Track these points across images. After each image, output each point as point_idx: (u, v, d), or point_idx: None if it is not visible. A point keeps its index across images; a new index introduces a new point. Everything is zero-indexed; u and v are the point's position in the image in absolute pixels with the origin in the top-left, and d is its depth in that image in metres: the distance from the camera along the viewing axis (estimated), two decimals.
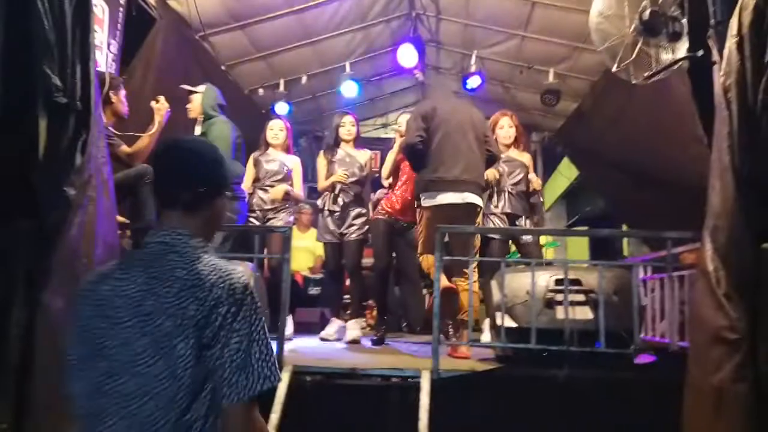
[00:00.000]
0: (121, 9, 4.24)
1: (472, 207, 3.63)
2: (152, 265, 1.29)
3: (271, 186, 4.56)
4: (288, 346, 3.48)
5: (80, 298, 1.32)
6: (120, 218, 3.12)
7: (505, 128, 4.60)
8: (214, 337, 1.18)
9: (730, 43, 2.19)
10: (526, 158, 4.68)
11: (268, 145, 4.75)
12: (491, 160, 3.90)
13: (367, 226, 4.49)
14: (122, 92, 3.54)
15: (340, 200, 4.44)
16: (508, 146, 4.62)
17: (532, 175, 4.62)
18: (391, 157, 4.57)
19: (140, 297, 1.22)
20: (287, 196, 4.53)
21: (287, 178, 4.62)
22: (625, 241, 8.13)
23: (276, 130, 4.75)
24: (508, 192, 4.48)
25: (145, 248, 1.34)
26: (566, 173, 8.44)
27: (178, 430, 1.16)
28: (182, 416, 1.16)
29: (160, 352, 1.17)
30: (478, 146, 3.73)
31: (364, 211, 4.57)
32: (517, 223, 4.48)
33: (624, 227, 6.87)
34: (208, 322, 1.19)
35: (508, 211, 4.45)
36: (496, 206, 4.49)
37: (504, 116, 4.67)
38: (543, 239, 6.38)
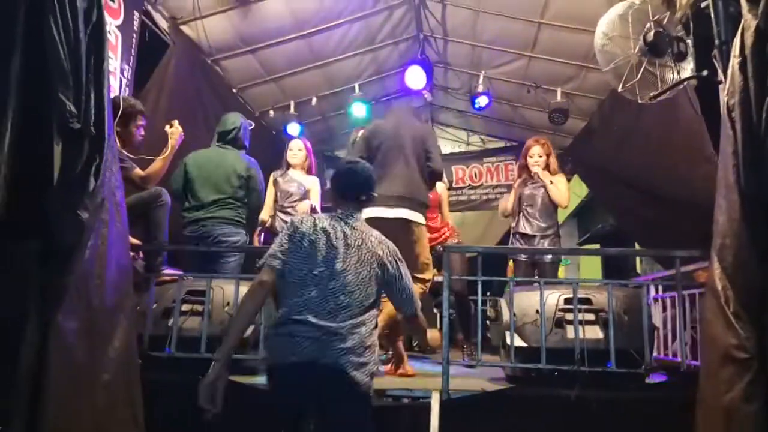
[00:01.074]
0: (134, 35, 4.34)
1: (403, 222, 3.60)
2: (355, 226, 2.28)
3: (291, 207, 4.62)
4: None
5: (305, 225, 2.26)
6: (133, 240, 3.17)
7: (535, 157, 4.66)
8: (390, 271, 2.24)
9: (734, 63, 2.21)
10: (558, 179, 4.66)
11: (288, 165, 4.82)
12: (433, 175, 3.85)
13: None
14: (140, 122, 3.59)
15: None
16: (535, 172, 4.68)
17: (536, 169, 4.64)
18: None
19: (354, 239, 2.22)
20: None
21: (304, 198, 4.67)
22: (638, 258, 8.08)
23: (295, 150, 4.82)
24: (524, 213, 4.60)
25: (340, 218, 2.31)
26: (577, 191, 8.42)
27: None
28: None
29: (365, 268, 2.18)
30: (416, 162, 3.71)
31: None
32: (533, 243, 4.53)
33: (636, 245, 6.83)
34: (387, 261, 2.23)
35: (521, 231, 4.59)
36: (515, 227, 4.68)
37: (536, 144, 4.72)
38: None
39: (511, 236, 4.80)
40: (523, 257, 4.56)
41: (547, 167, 4.66)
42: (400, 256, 2.31)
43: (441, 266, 4.80)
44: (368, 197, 2.38)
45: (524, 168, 4.74)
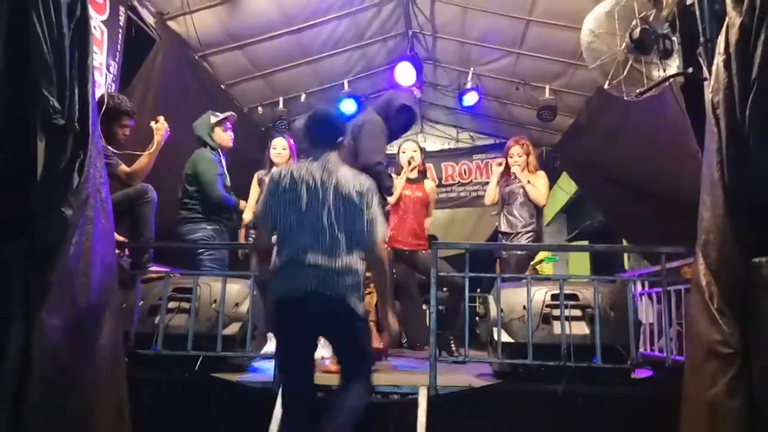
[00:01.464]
0: (120, 30, 4.30)
1: None
2: (328, 167, 2.45)
3: None
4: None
5: (283, 177, 2.44)
6: (118, 237, 3.14)
7: (515, 157, 4.79)
8: (365, 199, 2.42)
9: (718, 60, 2.23)
10: (536, 177, 4.78)
11: (272, 163, 4.76)
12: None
13: None
14: (125, 122, 3.52)
15: None
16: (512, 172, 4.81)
17: (515, 168, 4.75)
18: (400, 183, 4.61)
19: (330, 179, 2.41)
20: None
21: None
22: (625, 255, 8.13)
23: (279, 149, 4.73)
24: (505, 212, 4.77)
25: (314, 162, 2.48)
26: (565, 188, 8.48)
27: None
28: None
29: (346, 204, 2.39)
30: (352, 160, 3.52)
31: None
32: (510, 239, 4.69)
33: (624, 241, 6.88)
34: (363, 192, 2.42)
35: (501, 230, 4.78)
36: (498, 226, 4.84)
37: (516, 145, 4.84)
38: (542, 254, 6.39)
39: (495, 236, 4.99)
40: (504, 254, 4.69)
41: (527, 166, 4.77)
42: (375, 188, 2.52)
43: (415, 267, 4.86)
44: (341, 140, 2.59)
45: (506, 168, 4.85)
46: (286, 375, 2.49)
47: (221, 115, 4.18)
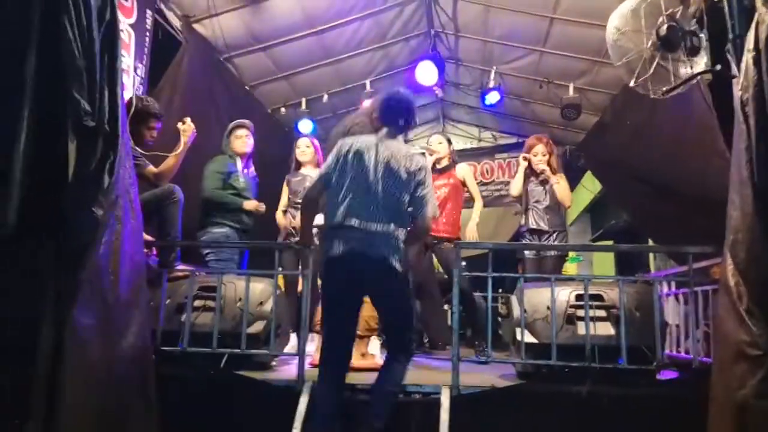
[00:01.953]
0: (147, 33, 4.38)
1: None
2: (386, 144, 2.74)
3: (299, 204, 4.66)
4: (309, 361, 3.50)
5: (346, 147, 2.74)
6: (146, 237, 3.20)
7: (539, 156, 4.73)
8: (416, 178, 2.68)
9: (747, 57, 2.19)
10: (560, 178, 4.73)
11: (299, 163, 4.84)
12: None
13: None
14: (152, 124, 3.61)
15: None
16: (541, 171, 4.75)
17: (543, 166, 4.69)
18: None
19: (384, 154, 2.69)
20: None
21: None
22: (651, 255, 8.02)
23: (303, 147, 4.84)
24: (534, 212, 4.67)
25: (378, 138, 2.77)
26: (589, 187, 8.39)
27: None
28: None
29: (393, 179, 2.64)
30: None
31: None
32: (544, 239, 4.61)
33: (650, 241, 6.78)
34: (414, 171, 2.68)
35: (532, 227, 4.64)
36: (524, 224, 4.73)
37: (539, 143, 4.78)
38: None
39: (519, 235, 4.85)
40: (530, 255, 4.62)
41: (549, 165, 4.72)
42: (427, 168, 2.78)
43: (440, 262, 4.87)
44: (407, 122, 2.84)
45: (528, 165, 4.81)
46: (328, 325, 2.74)
47: (231, 125, 4.41)
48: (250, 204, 4.25)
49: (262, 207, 4.33)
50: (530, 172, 4.78)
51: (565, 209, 4.78)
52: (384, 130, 2.81)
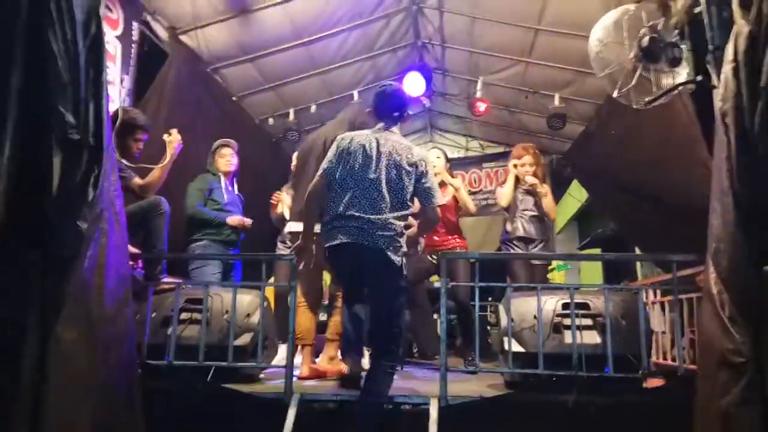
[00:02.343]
0: (133, 45, 4.38)
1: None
2: (385, 136, 2.90)
3: None
4: (297, 373, 3.49)
5: (346, 142, 2.90)
6: (132, 249, 3.18)
7: (526, 167, 4.79)
8: (418, 169, 2.84)
9: (727, 68, 2.23)
10: (546, 189, 4.82)
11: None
12: None
13: None
14: (139, 136, 3.62)
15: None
16: (532, 183, 4.79)
17: (529, 177, 4.75)
18: None
19: (385, 147, 2.84)
20: None
21: None
22: (638, 263, 8.07)
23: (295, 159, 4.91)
24: (523, 219, 4.72)
25: (376, 131, 2.94)
26: (576, 195, 8.45)
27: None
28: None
29: (395, 170, 2.79)
30: None
31: None
32: (530, 247, 4.67)
33: (637, 249, 6.83)
34: (415, 162, 2.83)
35: (520, 235, 4.68)
36: (512, 232, 4.74)
37: (527, 154, 4.84)
38: (553, 262, 6.38)
39: (504, 243, 4.88)
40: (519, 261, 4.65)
41: (534, 176, 4.78)
42: (427, 159, 2.94)
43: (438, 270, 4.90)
44: (401, 114, 3.02)
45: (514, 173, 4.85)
46: (346, 306, 3.04)
47: (215, 144, 4.53)
48: (234, 219, 4.26)
49: (248, 221, 4.33)
50: (518, 182, 4.83)
51: (552, 221, 4.86)
52: (380, 124, 2.96)
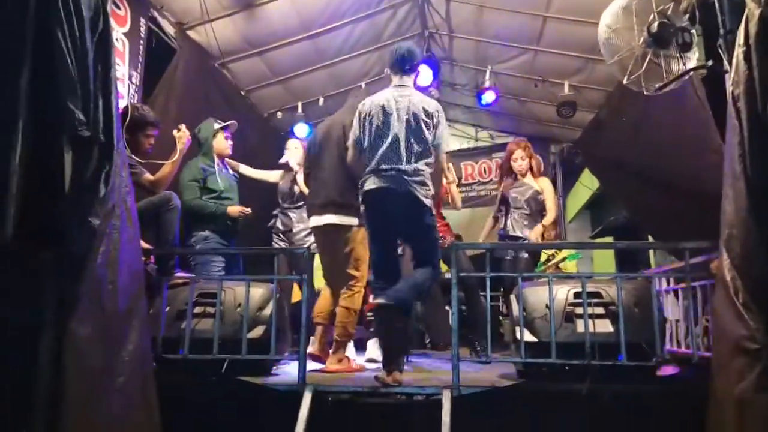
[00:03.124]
0: (141, 41, 4.39)
1: (330, 227, 3.74)
2: (402, 92, 3.27)
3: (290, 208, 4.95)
4: (310, 365, 3.52)
5: (366, 106, 3.30)
6: (144, 244, 3.21)
7: (519, 161, 4.92)
8: (434, 119, 3.23)
9: (738, 52, 2.20)
10: (543, 183, 4.90)
11: (287, 166, 5.00)
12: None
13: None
14: (150, 132, 3.63)
15: None
16: (523, 174, 4.93)
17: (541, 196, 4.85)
18: None
19: (402, 101, 3.21)
20: None
21: None
22: (651, 250, 8.01)
23: (292, 148, 5.10)
24: (513, 217, 4.84)
25: (392, 88, 3.31)
26: (588, 183, 8.38)
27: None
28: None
29: (414, 122, 3.16)
30: (340, 164, 3.70)
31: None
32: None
33: (650, 237, 6.77)
34: (431, 112, 3.21)
35: (511, 234, 4.83)
36: (503, 229, 4.92)
37: (518, 149, 4.94)
38: (565, 251, 6.33)
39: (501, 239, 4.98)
40: (510, 256, 4.70)
41: (530, 169, 4.89)
42: (440, 109, 3.29)
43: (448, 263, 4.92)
44: (411, 67, 3.35)
45: (508, 171, 5.00)
46: (372, 252, 3.34)
47: (224, 123, 4.39)
48: (234, 210, 4.24)
49: (247, 210, 4.31)
50: (512, 179, 4.94)
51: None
52: (395, 80, 3.32)
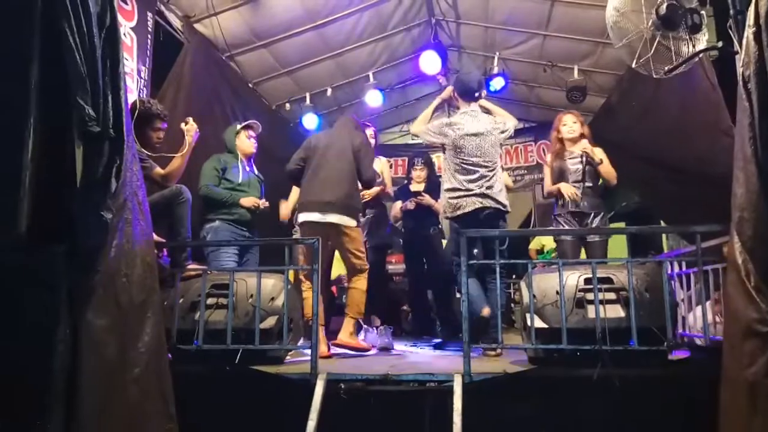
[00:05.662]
0: (149, 35, 4.40)
1: (333, 226, 3.96)
2: (474, 115, 4.23)
3: None
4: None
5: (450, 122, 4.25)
6: (156, 238, 3.24)
7: (569, 125, 4.44)
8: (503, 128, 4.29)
9: (748, 33, 2.17)
10: (597, 150, 4.38)
11: None
12: (363, 184, 4.27)
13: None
14: (158, 126, 3.66)
15: None
16: (573, 141, 4.44)
17: (589, 148, 4.33)
18: None
19: (475, 120, 4.19)
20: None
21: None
22: (663, 235, 7.96)
23: None
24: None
25: (465, 112, 4.25)
26: None
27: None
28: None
29: (486, 136, 4.16)
30: (349, 170, 4.06)
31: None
32: (586, 222, 4.27)
33: (662, 222, 6.73)
34: (498, 124, 4.25)
35: (572, 209, 4.28)
36: (562, 206, 4.35)
37: (568, 114, 4.52)
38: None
39: (555, 218, 4.45)
40: (568, 237, 4.26)
41: (581, 136, 4.42)
42: (512, 127, 4.31)
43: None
44: (480, 94, 4.27)
45: (558, 140, 4.49)
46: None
47: (245, 123, 4.54)
48: (247, 201, 4.27)
49: (263, 203, 4.35)
50: (562, 147, 4.46)
51: (612, 186, 4.45)
52: (467, 107, 4.18)
